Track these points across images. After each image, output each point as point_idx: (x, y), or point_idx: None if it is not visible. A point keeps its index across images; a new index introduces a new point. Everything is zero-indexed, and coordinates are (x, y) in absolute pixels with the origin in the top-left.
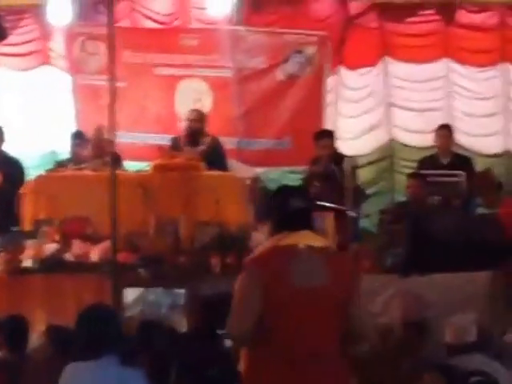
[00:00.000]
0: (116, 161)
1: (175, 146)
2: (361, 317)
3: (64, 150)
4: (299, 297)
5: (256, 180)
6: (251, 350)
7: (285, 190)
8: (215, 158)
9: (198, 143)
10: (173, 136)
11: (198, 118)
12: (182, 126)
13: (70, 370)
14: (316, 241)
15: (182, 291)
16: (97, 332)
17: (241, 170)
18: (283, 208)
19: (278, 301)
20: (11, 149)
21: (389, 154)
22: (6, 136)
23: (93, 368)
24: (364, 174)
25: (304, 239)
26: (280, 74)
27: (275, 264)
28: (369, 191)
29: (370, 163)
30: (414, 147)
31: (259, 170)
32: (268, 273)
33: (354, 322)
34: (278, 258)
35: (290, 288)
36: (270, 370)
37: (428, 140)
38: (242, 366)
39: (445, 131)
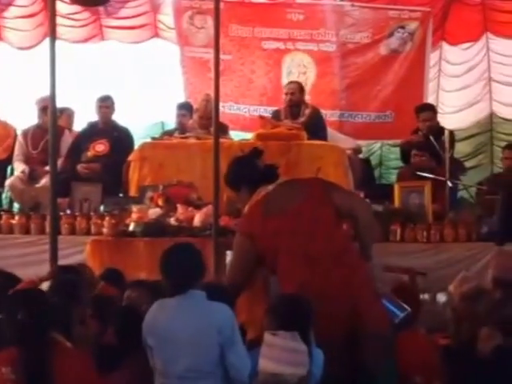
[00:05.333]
0: (222, 130)
1: (276, 118)
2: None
3: (172, 121)
4: (286, 222)
5: (357, 150)
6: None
7: (247, 156)
8: (315, 128)
9: (298, 115)
10: (274, 109)
11: (297, 90)
12: (283, 98)
13: (157, 305)
14: None
15: None
16: (180, 268)
17: (342, 141)
18: (253, 169)
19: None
20: (121, 119)
21: (488, 128)
22: (117, 106)
23: (179, 302)
24: (464, 147)
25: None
26: (383, 49)
27: (257, 214)
28: (469, 164)
29: (469, 137)
30: None
31: (361, 143)
32: (255, 226)
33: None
34: (258, 208)
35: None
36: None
37: None
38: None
39: None
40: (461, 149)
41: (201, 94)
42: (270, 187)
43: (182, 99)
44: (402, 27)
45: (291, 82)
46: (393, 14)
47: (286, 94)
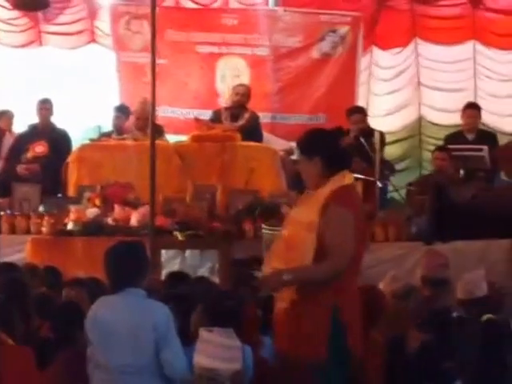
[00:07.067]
0: (159, 132)
1: (216, 119)
2: None
3: (108, 125)
4: (366, 227)
5: (289, 152)
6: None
7: (333, 132)
8: (253, 133)
9: (238, 117)
10: (214, 110)
11: (245, 93)
12: (226, 99)
13: (99, 302)
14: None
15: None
16: (119, 266)
17: (275, 143)
18: (336, 146)
19: (361, 234)
20: (58, 123)
21: (417, 131)
22: (54, 110)
23: (118, 299)
24: (393, 151)
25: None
26: (315, 53)
27: (356, 202)
28: (398, 167)
29: (399, 140)
30: (441, 125)
31: (294, 144)
32: (354, 210)
33: None
34: (354, 197)
35: (363, 221)
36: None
37: (454, 118)
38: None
39: (472, 109)
40: (390, 152)
41: (135, 98)
42: (354, 182)
43: (117, 104)
44: (334, 31)
45: (241, 85)
46: (324, 18)
47: (237, 94)
